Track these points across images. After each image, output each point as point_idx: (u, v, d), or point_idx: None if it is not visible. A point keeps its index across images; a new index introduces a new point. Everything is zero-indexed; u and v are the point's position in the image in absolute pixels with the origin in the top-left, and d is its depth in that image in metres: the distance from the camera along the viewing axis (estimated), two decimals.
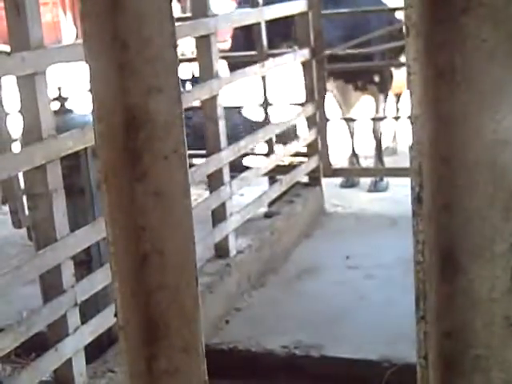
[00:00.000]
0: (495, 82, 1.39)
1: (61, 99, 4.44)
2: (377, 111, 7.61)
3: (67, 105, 4.53)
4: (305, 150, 6.73)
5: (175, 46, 1.49)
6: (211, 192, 5.11)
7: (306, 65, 6.57)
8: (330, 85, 7.29)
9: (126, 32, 1.46)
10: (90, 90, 1.50)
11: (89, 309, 3.85)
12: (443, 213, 1.46)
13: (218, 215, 5.12)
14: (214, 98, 5.01)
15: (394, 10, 7.06)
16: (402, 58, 7.13)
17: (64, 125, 4.17)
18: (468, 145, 1.42)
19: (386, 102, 7.62)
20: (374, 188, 7.38)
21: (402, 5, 6.48)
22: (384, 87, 7.48)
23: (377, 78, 7.38)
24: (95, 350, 3.93)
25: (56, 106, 4.35)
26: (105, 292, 3.89)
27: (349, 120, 7.62)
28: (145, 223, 1.53)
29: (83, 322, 3.75)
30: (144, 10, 1.46)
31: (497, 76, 1.38)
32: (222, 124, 5.12)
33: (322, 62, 6.63)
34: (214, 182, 5.11)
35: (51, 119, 3.66)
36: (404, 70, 1.54)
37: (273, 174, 6.48)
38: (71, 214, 3.85)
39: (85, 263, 4.10)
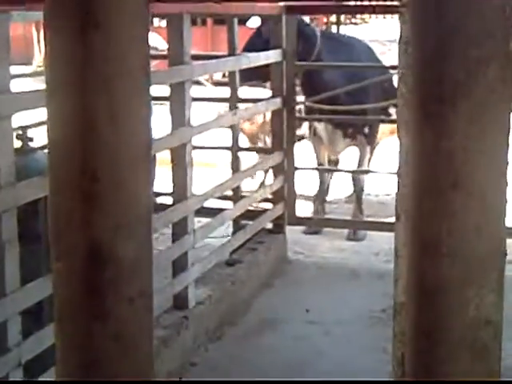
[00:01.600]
0: (481, 258, 1.28)
1: (24, 138, 4.07)
2: (361, 162, 7.30)
3: (32, 144, 4.17)
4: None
5: (150, 181, 1.29)
6: (174, 241, 4.74)
7: (276, 113, 6.27)
8: (321, 127, 7.09)
9: (97, 161, 1.22)
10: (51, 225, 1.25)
11: (35, 366, 3.44)
12: None
13: (180, 265, 4.75)
14: (183, 146, 4.67)
15: (385, 67, 6.88)
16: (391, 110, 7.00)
17: (26, 166, 3.80)
18: (450, 321, 1.30)
19: (372, 154, 7.36)
20: (354, 236, 7.04)
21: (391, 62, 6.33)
22: (372, 139, 7.26)
23: (366, 130, 7.14)
24: None
25: (18, 144, 3.98)
26: (53, 348, 3.47)
27: (323, 170, 7.35)
28: (103, 369, 1.31)
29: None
30: (120, 138, 1.19)
31: (482, 252, 1.28)
32: (190, 171, 4.77)
33: (292, 112, 6.36)
34: (178, 230, 4.74)
35: (12, 166, 3.29)
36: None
37: (238, 219, 6.13)
38: (25, 261, 3.46)
39: (34, 314, 3.68)
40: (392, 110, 7.12)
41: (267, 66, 6.14)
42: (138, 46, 1.23)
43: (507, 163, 1.29)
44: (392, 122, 7.09)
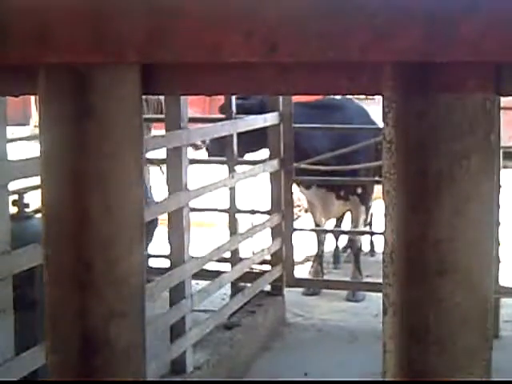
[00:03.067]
0: (468, 347, 1.27)
1: (20, 204, 4.10)
2: (356, 223, 7.30)
3: (28, 209, 4.20)
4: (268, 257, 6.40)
5: (143, 270, 1.28)
6: (171, 305, 4.73)
7: (274, 175, 6.30)
8: (311, 192, 7.07)
9: (92, 252, 1.24)
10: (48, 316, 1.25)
11: None
12: None
13: (177, 329, 4.73)
14: (180, 210, 4.69)
15: (377, 129, 6.86)
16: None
17: (22, 231, 3.82)
18: None
19: (366, 214, 7.34)
20: (353, 298, 7.02)
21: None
22: (366, 199, 7.23)
23: (359, 190, 7.11)
24: None
25: (14, 210, 4.01)
26: None
27: (320, 231, 7.33)
28: None
29: None
30: (114, 231, 1.20)
31: (470, 340, 1.26)
32: (187, 235, 4.78)
33: (290, 174, 6.39)
34: (175, 294, 4.74)
35: (7, 234, 3.29)
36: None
37: (236, 282, 6.12)
38: (19, 329, 3.45)
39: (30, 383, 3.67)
40: None
41: (263, 135, 6.18)
42: (132, 136, 1.25)
43: (495, 251, 1.30)
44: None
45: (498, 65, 1.14)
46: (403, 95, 1.14)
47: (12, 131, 6.10)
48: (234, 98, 5.59)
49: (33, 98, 20.50)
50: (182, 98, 4.61)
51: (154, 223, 7.10)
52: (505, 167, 6.30)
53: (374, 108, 7.28)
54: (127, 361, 1.29)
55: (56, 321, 1.31)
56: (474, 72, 1.11)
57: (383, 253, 1.25)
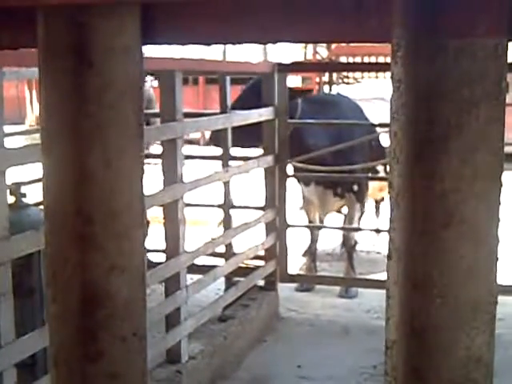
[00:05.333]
0: (472, 300, 1.27)
1: (17, 193, 4.09)
2: (351, 220, 7.30)
3: (25, 199, 4.19)
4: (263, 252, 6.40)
5: (143, 224, 1.30)
6: (167, 296, 4.72)
7: (268, 171, 6.29)
8: (310, 189, 7.07)
9: (92, 205, 1.25)
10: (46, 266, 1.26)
11: None
12: None
13: (173, 319, 4.73)
14: (176, 202, 4.68)
15: (373, 125, 6.87)
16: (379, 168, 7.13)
17: (19, 221, 3.81)
18: (441, 360, 1.28)
19: (361, 212, 7.33)
20: (346, 294, 7.02)
21: (380, 120, 6.31)
22: (361, 197, 7.23)
23: (355, 187, 7.12)
24: None
25: (11, 199, 4.00)
26: None
27: (314, 227, 7.33)
28: None
29: None
30: (114, 183, 1.20)
31: (474, 294, 1.26)
32: (182, 228, 4.78)
33: (284, 169, 6.38)
34: (170, 285, 4.73)
35: (6, 220, 3.29)
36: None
37: (230, 276, 6.11)
38: (18, 315, 3.45)
39: (28, 367, 3.66)
40: (379, 168, 7.18)
41: (260, 129, 6.18)
42: (132, 88, 1.24)
43: (499, 204, 1.28)
44: (380, 179, 7.15)
45: None
46: (412, 34, 1.12)
47: (8, 130, 6.08)
48: (228, 91, 5.58)
49: (28, 98, 20.43)
50: (177, 90, 4.61)
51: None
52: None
53: (367, 105, 7.30)
54: (128, 314, 1.29)
55: (56, 271, 1.31)
56: (485, 14, 1.09)
57: (389, 197, 1.24)
